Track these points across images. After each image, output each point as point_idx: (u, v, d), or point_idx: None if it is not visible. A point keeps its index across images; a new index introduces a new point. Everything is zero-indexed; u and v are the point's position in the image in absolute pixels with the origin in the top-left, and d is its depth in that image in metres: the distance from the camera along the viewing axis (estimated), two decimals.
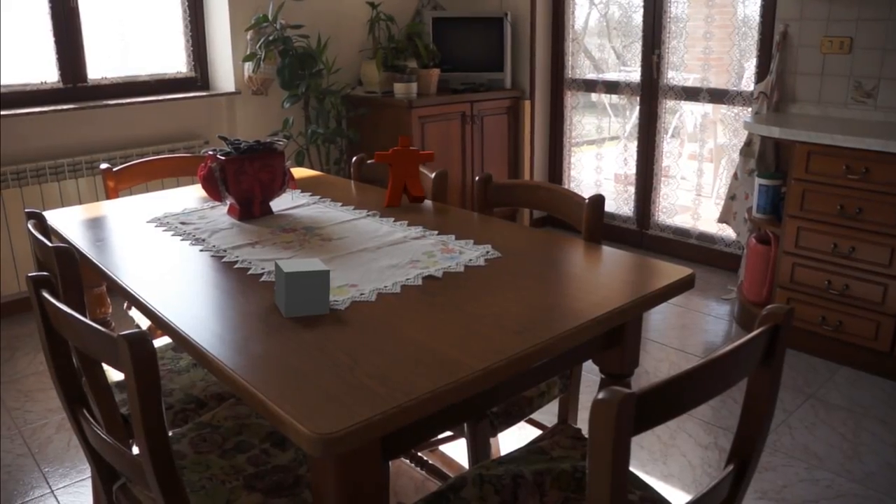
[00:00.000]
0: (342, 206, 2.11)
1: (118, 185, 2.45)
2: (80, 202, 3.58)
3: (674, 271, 1.53)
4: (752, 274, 3.31)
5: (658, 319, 3.53)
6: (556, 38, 4.59)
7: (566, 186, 4.86)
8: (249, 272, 1.59)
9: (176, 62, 4.05)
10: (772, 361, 1.15)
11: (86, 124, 3.65)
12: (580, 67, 4.62)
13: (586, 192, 4.76)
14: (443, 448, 2.33)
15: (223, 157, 1.91)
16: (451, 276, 1.53)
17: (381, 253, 1.68)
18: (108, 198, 2.42)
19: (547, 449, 1.56)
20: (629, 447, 0.91)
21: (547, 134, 4.80)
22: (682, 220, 4.30)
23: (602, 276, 1.53)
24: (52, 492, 2.30)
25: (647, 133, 4.28)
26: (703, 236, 4.19)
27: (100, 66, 3.76)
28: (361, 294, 1.44)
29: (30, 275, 1.43)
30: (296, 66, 3.68)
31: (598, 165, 4.71)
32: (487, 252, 1.66)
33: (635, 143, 4.35)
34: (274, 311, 1.37)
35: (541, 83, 4.64)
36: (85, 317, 1.65)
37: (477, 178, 2.11)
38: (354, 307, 1.39)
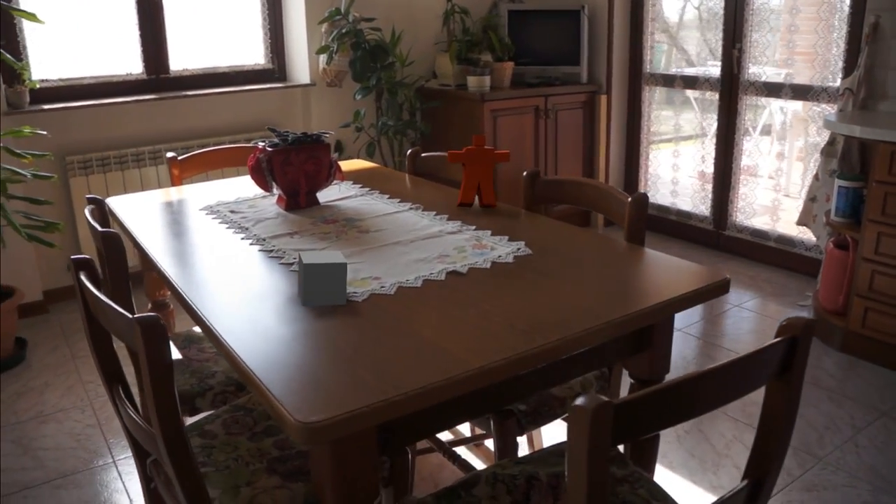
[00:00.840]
0: (388, 198, 2.12)
1: (182, 173, 2.55)
2: (160, 189, 3.74)
3: (707, 274, 1.46)
4: (828, 280, 3.13)
5: (728, 324, 3.40)
6: (635, 31, 4.47)
7: (643, 183, 4.73)
8: (281, 261, 1.62)
9: (255, 54, 4.17)
10: (789, 376, 1.09)
11: (167, 114, 3.81)
12: (658, 61, 4.48)
13: (663, 190, 4.69)
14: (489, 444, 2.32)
15: (271, 149, 1.96)
16: (476, 272, 1.52)
17: (413, 247, 1.68)
18: (172, 185, 2.53)
19: None
20: (606, 456, 0.88)
21: (623, 130, 4.69)
22: (761, 222, 4.12)
23: (630, 277, 1.48)
24: (114, 462, 2.43)
25: (726, 130, 4.11)
26: (783, 239, 4.00)
27: (182, 58, 3.92)
28: (382, 287, 1.44)
29: (73, 257, 1.50)
30: (367, 58, 3.72)
31: (675, 163, 4.57)
32: (518, 249, 1.64)
33: (714, 141, 4.19)
34: (295, 300, 1.40)
35: (618, 77, 4.53)
36: (129, 299, 1.73)
37: (525, 172, 2.08)
38: (373, 299, 1.39)
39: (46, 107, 3.45)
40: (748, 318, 3.45)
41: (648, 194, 4.63)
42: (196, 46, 3.97)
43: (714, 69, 4.13)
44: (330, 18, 3.70)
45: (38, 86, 3.47)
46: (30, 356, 3.17)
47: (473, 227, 1.81)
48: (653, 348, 1.49)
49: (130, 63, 3.80)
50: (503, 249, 1.64)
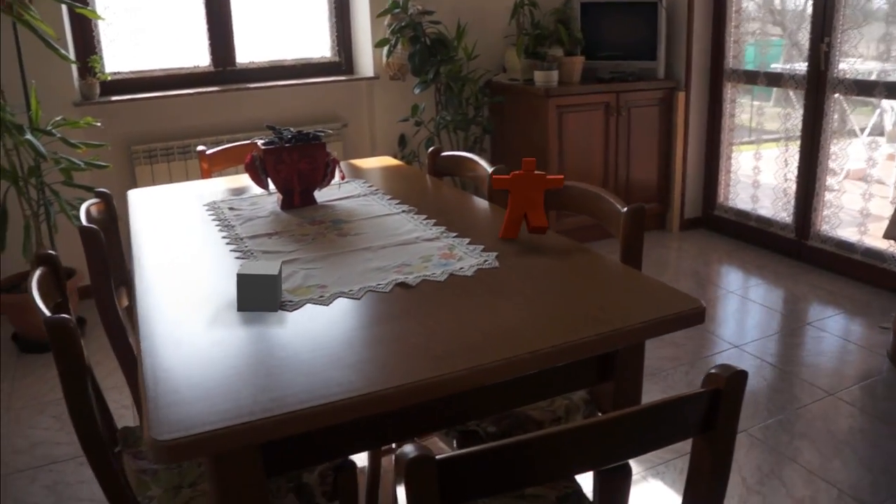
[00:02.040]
0: (390, 199, 2.05)
1: (211, 167, 2.58)
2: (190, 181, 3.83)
3: (680, 301, 1.31)
4: None
5: (799, 343, 3.12)
6: (717, 24, 4.18)
7: (723, 187, 4.44)
8: (241, 262, 1.59)
9: (321, 47, 4.20)
10: (714, 434, 0.95)
11: (232, 106, 3.89)
12: (743, 56, 4.17)
13: (743, 194, 4.35)
14: None
15: (265, 147, 1.93)
16: (428, 284, 1.43)
17: (381, 253, 1.61)
18: (202, 178, 2.56)
19: None
20: None
21: (703, 128, 4.41)
22: (848, 233, 3.76)
23: (593, 300, 1.34)
24: None
25: (811, 131, 3.78)
26: (870, 252, 3.63)
27: (248, 51, 3.99)
28: (321, 297, 1.38)
29: (38, 252, 1.52)
30: (426, 52, 3.66)
31: (757, 166, 4.25)
32: (486, 262, 1.53)
33: (798, 143, 3.87)
34: (234, 305, 1.36)
35: (698, 73, 4.26)
36: (110, 294, 1.74)
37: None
38: (307, 309, 1.33)
39: (115, 98, 3.60)
40: (822, 339, 3.15)
41: (729, 199, 4.35)
42: (263, 40, 4.03)
43: (800, 66, 3.80)
44: (389, 11, 3.66)
45: (109, 78, 3.63)
46: (88, 334, 3.32)
47: (455, 234, 1.71)
48: (616, 379, 1.35)
49: (198, 56, 3.90)
50: (469, 261, 1.54)
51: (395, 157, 4.03)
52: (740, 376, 0.88)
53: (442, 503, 0.79)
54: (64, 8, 3.34)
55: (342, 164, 2.55)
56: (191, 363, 1.15)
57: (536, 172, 1.66)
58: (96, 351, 3.14)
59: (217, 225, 1.88)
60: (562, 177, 1.72)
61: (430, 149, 2.41)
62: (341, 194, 2.12)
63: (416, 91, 3.80)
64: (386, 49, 3.78)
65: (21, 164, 3.00)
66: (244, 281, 1.33)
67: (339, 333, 1.23)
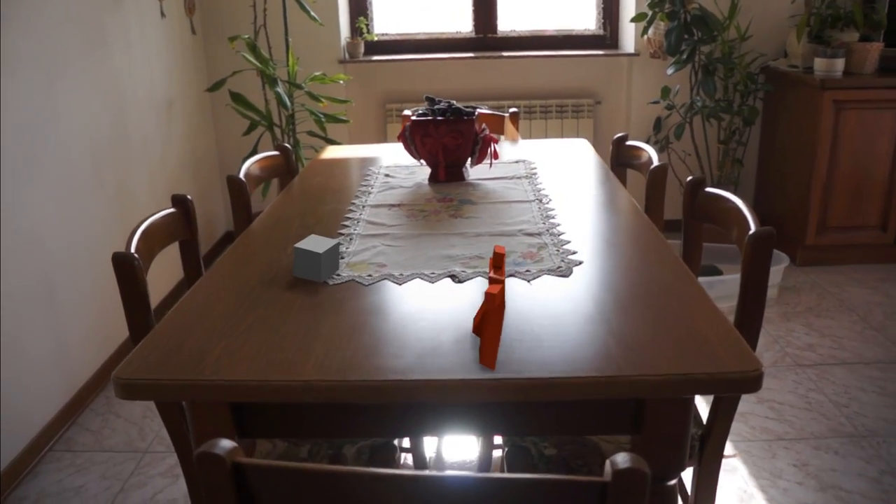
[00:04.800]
0: (539, 185, 1.94)
1: None
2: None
3: (734, 359, 1.06)
4: None
5: None
6: None
7: None
8: (339, 233, 1.63)
9: (587, 20, 4.05)
10: None
11: (489, 73, 3.95)
12: None
13: None
14: None
15: (414, 119, 1.94)
16: (481, 282, 1.33)
17: (471, 241, 1.54)
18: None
19: None
20: None
21: None
22: None
23: (638, 334, 1.14)
24: None
25: None
26: None
27: (511, 19, 4.00)
28: (369, 276, 1.37)
29: (173, 195, 1.71)
30: (682, 29, 3.35)
31: None
32: (558, 268, 1.38)
33: None
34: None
35: None
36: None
37: (688, 179, 1.72)
38: (350, 285, 1.33)
39: (376, 58, 3.86)
40: None
41: None
42: (526, 9, 4.01)
43: None
44: None
45: (375, 38, 3.90)
46: None
47: (563, 234, 1.57)
48: (646, 433, 1.14)
49: (462, 22, 4.01)
50: (545, 265, 1.40)
51: (647, 140, 3.79)
52: (631, 474, 0.69)
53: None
54: None
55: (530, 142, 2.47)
56: (212, 315, 1.22)
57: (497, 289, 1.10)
58: None
59: (361, 190, 1.95)
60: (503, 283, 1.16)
61: (616, 136, 2.22)
62: (497, 174, 2.05)
63: (669, 72, 3.51)
64: (643, 25, 3.53)
65: (280, 112, 3.37)
66: (298, 252, 1.38)
67: (346, 315, 1.21)
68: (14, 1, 2.22)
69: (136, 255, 1.34)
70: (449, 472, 0.71)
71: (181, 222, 1.67)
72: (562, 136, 3.94)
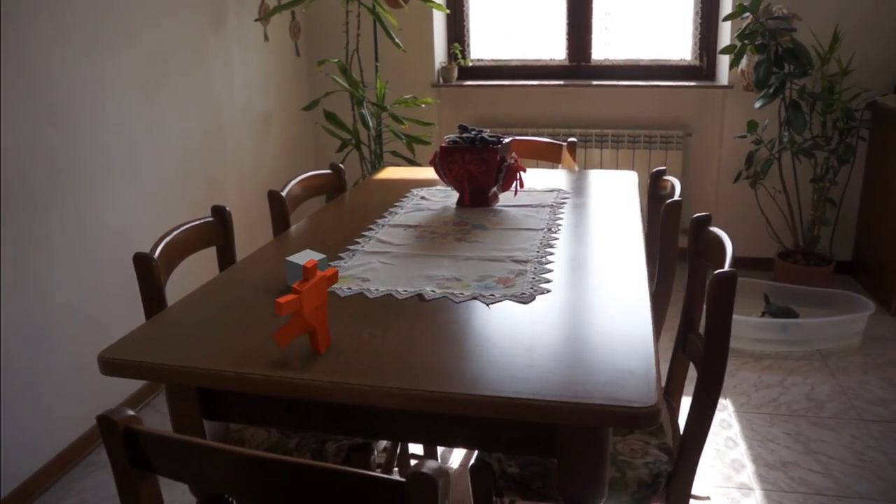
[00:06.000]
0: (560, 216, 2.01)
1: None
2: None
3: (633, 392, 1.10)
4: None
5: None
6: None
7: None
8: (348, 248, 1.77)
9: (682, 50, 4.01)
10: None
11: (581, 101, 4.00)
12: None
13: None
14: None
15: (442, 145, 2.06)
16: (444, 303, 1.43)
17: (458, 264, 1.64)
18: None
19: None
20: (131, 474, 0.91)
21: None
22: None
23: (557, 362, 1.20)
24: None
25: None
26: None
27: (605, 48, 4.03)
28: (349, 289, 1.50)
29: (213, 206, 1.93)
30: (771, 63, 3.26)
31: None
32: (523, 295, 1.45)
33: None
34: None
35: None
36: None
37: (694, 215, 1.73)
38: (330, 295, 1.47)
39: (467, 83, 4.01)
40: None
41: None
42: (622, 38, 4.03)
43: None
44: (737, 15, 3.34)
45: (470, 64, 4.05)
46: None
47: (550, 264, 1.64)
48: (562, 459, 1.20)
49: (555, 50, 4.08)
50: (510, 291, 1.48)
51: (738, 176, 3.71)
52: (423, 477, 0.78)
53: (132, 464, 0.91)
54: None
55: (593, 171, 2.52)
56: (193, 309, 1.40)
57: (318, 276, 1.23)
58: None
59: (391, 210, 2.09)
60: (335, 270, 1.28)
61: (654, 170, 2.23)
62: (524, 201, 2.13)
63: (757, 105, 3.42)
64: (731, 57, 3.46)
65: (368, 132, 3.59)
66: (289, 264, 1.54)
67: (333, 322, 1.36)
68: (119, 22, 2.55)
69: (153, 255, 1.55)
70: (281, 457, 0.83)
71: (218, 230, 1.87)
72: (649, 167, 3.92)
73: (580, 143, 3.95)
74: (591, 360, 1.20)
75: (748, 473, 2.38)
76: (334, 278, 1.27)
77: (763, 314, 3.31)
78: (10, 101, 2.13)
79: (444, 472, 0.80)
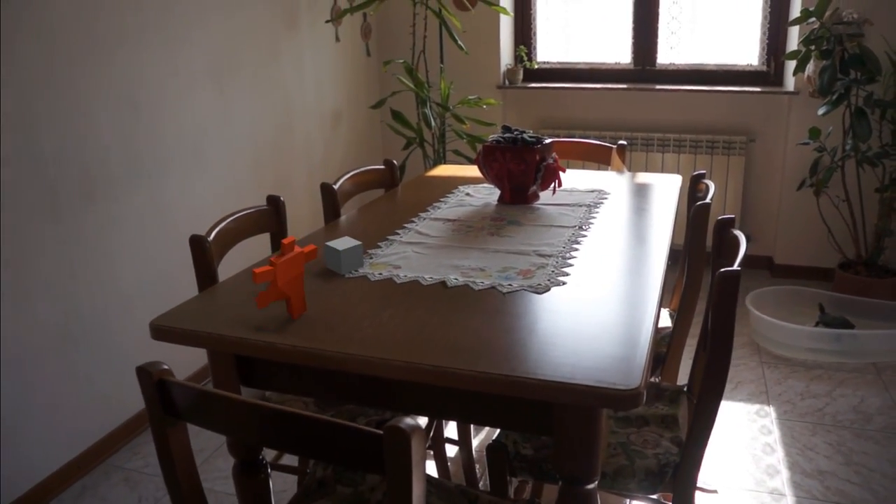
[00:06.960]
0: (594, 215, 2.08)
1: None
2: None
3: (618, 375, 1.18)
4: None
5: None
6: None
7: None
8: (386, 239, 1.90)
9: (749, 55, 3.98)
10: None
11: (645, 105, 4.03)
12: None
13: None
14: None
15: (485, 144, 2.17)
16: (464, 290, 1.54)
17: (486, 256, 1.74)
18: None
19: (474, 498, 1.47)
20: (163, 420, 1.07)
21: None
22: None
23: (560, 346, 1.30)
24: None
25: None
26: None
27: (671, 52, 4.04)
28: (380, 274, 1.63)
29: (268, 196, 2.09)
30: (835, 69, 3.22)
31: None
32: (539, 286, 1.55)
33: None
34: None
35: None
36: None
37: (719, 217, 1.79)
38: (361, 279, 1.61)
39: (532, 85, 4.09)
40: None
41: None
42: (688, 42, 4.03)
43: None
44: (802, 20, 3.31)
45: (536, 66, 4.14)
46: None
47: (573, 258, 1.72)
48: (557, 438, 1.29)
49: (621, 53, 4.12)
50: (529, 282, 1.57)
51: (801, 183, 3.67)
52: (397, 431, 0.89)
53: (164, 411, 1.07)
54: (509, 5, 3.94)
55: (629, 173, 2.59)
56: (239, 286, 1.56)
57: (296, 251, 1.41)
58: None
59: (436, 204, 2.21)
60: (315, 247, 1.46)
61: (694, 174, 2.28)
62: (564, 200, 2.22)
63: (820, 112, 3.37)
64: (796, 62, 3.43)
65: (433, 131, 3.73)
66: (327, 249, 1.68)
67: (350, 302, 1.49)
68: (194, 18, 2.76)
69: (207, 238, 1.72)
70: (275, 406, 0.97)
71: (272, 218, 2.04)
72: (710, 172, 3.91)
73: (642, 147, 3.98)
74: (586, 346, 1.29)
75: (782, 479, 2.39)
76: (312, 254, 1.45)
77: (817, 324, 3.27)
78: (102, 92, 2.36)
79: (416, 427, 0.92)
